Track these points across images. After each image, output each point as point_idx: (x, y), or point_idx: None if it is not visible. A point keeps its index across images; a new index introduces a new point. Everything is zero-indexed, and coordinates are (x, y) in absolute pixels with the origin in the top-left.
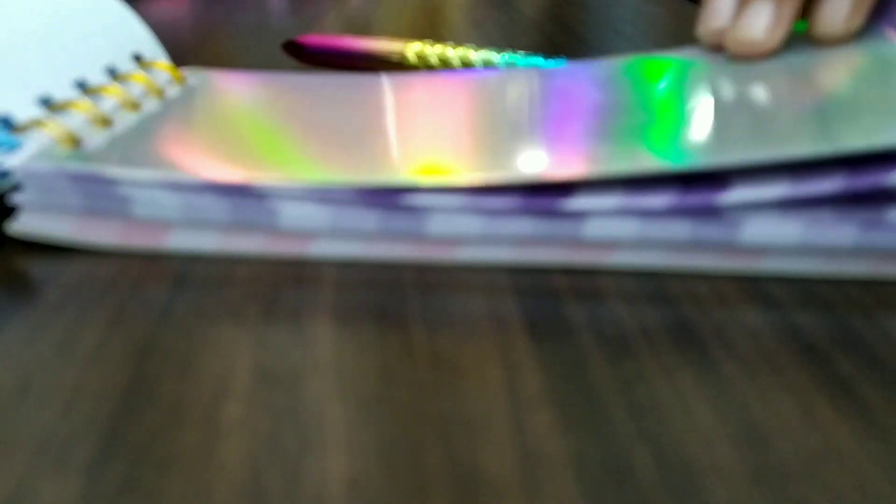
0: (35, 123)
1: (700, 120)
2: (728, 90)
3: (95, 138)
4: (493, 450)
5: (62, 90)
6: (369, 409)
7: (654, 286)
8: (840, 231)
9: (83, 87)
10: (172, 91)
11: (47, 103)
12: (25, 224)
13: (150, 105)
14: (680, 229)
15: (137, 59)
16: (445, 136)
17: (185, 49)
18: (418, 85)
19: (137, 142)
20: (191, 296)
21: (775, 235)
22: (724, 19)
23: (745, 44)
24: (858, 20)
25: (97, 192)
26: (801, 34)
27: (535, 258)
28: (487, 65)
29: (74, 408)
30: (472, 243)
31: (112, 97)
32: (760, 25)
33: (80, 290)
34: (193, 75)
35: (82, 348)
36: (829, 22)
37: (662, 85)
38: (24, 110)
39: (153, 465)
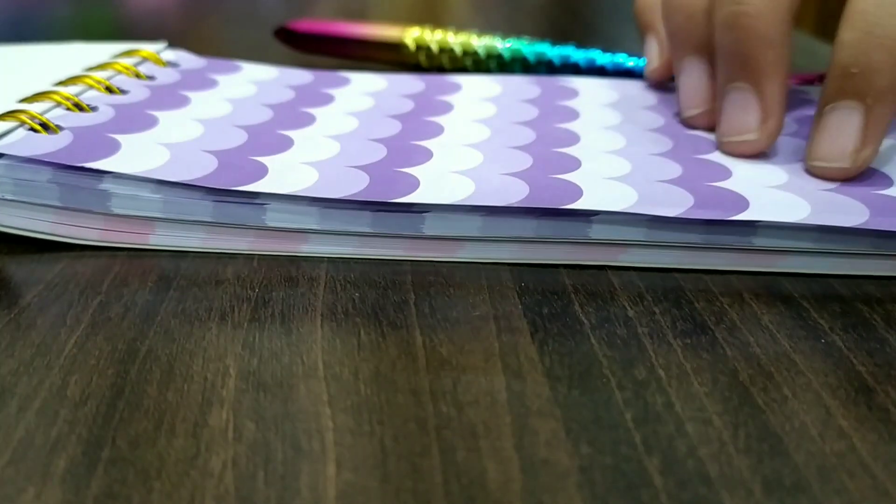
0: (8, 115)
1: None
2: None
3: (76, 125)
4: (495, 458)
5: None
6: (365, 415)
7: (666, 284)
8: (854, 237)
9: (58, 81)
10: (166, 76)
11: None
12: (2, 219)
13: (138, 90)
14: (691, 235)
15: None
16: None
17: (172, 35)
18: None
19: (120, 128)
20: (176, 296)
21: (788, 243)
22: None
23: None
24: (869, 152)
25: (75, 186)
26: None
27: (540, 257)
28: (490, 52)
29: (55, 413)
30: (473, 243)
31: (90, 86)
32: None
33: (61, 290)
34: (188, 61)
35: (63, 352)
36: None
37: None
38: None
39: (138, 473)
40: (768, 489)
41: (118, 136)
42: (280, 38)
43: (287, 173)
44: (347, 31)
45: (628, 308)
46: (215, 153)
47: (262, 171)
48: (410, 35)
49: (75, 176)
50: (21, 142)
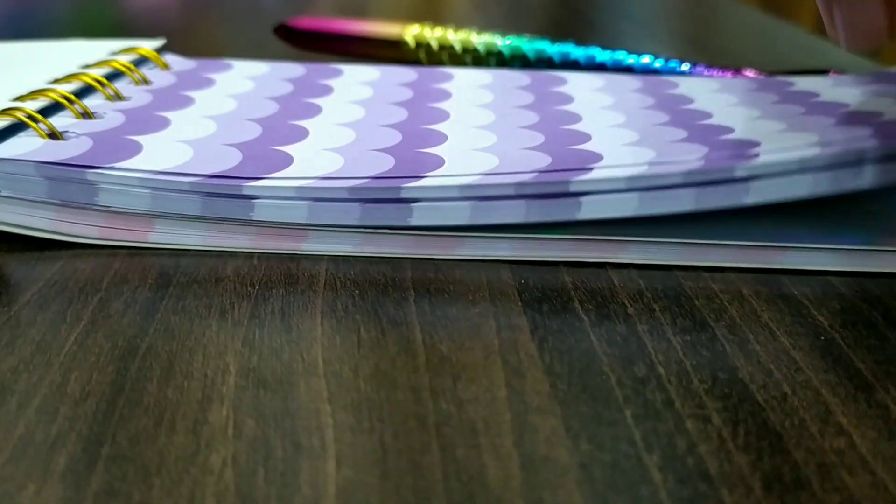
0: (2, 112)
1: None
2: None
3: (76, 129)
4: (495, 455)
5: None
6: (365, 412)
7: (665, 282)
8: (676, 194)
9: (55, 78)
10: (161, 79)
11: (18, 97)
12: (2, 216)
13: (139, 95)
14: (692, 231)
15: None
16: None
17: (172, 33)
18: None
19: (135, 129)
20: (176, 293)
21: (610, 210)
22: None
23: None
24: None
25: (66, 181)
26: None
27: (538, 254)
28: (489, 49)
29: (55, 411)
30: (473, 240)
31: (86, 83)
32: None
33: (61, 288)
34: (180, 63)
35: (64, 349)
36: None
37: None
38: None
39: (137, 470)
40: (768, 486)
41: (137, 138)
42: (280, 36)
43: (313, 159)
44: (347, 29)
45: (628, 305)
46: (237, 146)
47: (288, 160)
48: (410, 32)
49: (65, 172)
50: (41, 149)
